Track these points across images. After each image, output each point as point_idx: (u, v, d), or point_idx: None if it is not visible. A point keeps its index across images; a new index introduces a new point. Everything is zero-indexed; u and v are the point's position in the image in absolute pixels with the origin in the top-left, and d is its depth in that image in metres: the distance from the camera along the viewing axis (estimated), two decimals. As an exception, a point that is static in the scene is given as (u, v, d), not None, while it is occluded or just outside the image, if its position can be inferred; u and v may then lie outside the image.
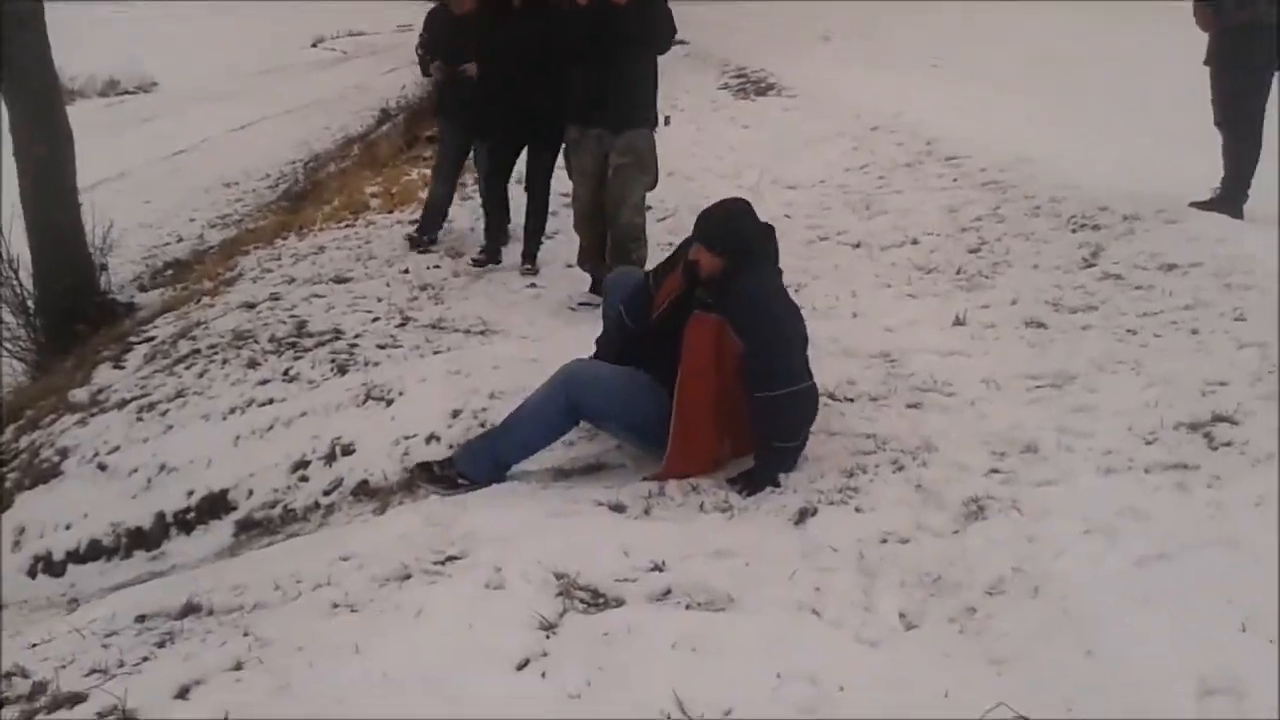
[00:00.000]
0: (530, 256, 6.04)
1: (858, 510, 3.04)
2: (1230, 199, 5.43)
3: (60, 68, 7.31)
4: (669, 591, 2.67)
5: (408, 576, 2.81)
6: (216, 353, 5.13)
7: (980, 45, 14.05)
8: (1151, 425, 3.31)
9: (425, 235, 6.60)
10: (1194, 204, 5.48)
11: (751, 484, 3.27)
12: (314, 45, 29.61)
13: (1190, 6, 5.54)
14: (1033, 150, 7.17)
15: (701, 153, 8.87)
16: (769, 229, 3.54)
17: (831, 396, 3.91)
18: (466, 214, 7.05)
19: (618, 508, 3.19)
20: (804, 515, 3.04)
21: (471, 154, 6.53)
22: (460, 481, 3.56)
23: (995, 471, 3.17)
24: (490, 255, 6.15)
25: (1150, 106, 8.60)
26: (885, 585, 2.64)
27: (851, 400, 3.88)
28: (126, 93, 26.12)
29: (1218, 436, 3.20)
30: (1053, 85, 10.47)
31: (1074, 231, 5.40)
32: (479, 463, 3.59)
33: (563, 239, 6.49)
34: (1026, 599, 2.52)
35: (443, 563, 2.88)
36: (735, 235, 3.39)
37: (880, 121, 9.04)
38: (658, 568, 2.77)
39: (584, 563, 2.76)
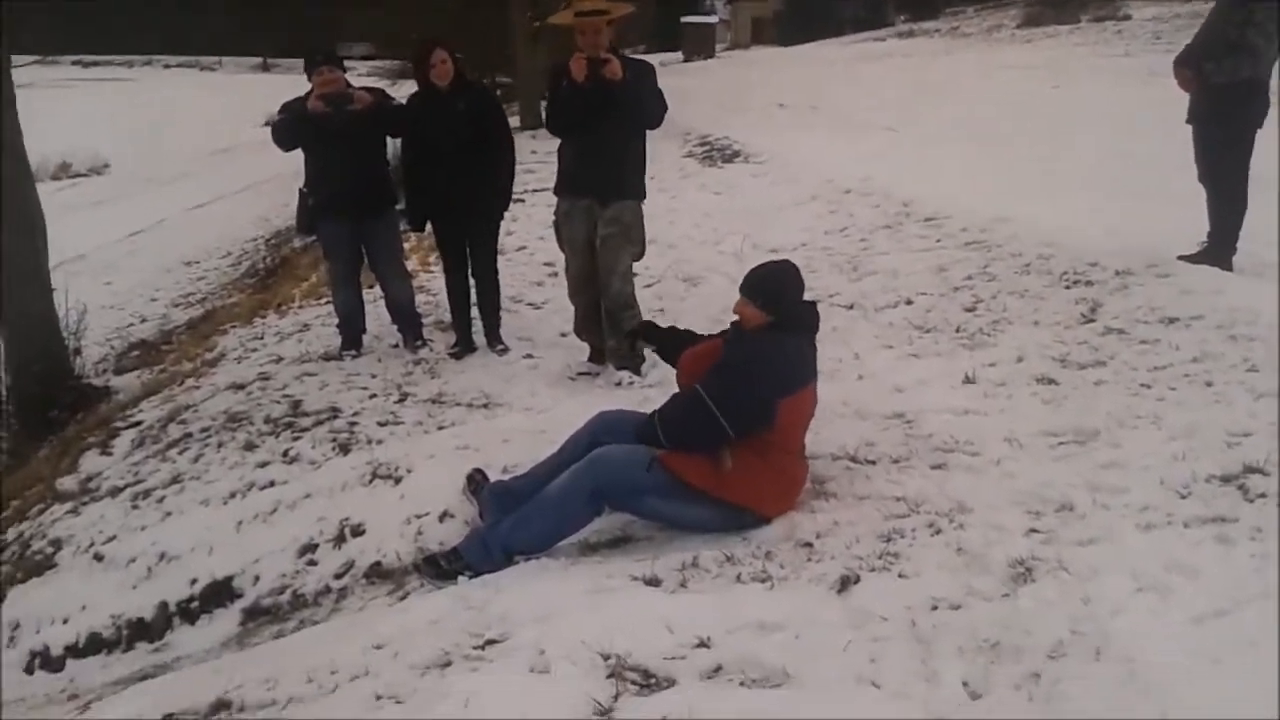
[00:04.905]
0: (497, 338, 5.95)
1: (901, 576, 2.98)
2: (1218, 252, 5.50)
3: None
4: (719, 668, 2.59)
5: (448, 664, 2.72)
6: (210, 436, 4.99)
7: (929, 109, 14.36)
8: (1184, 479, 3.29)
9: (348, 351, 5.98)
10: (1182, 257, 5.55)
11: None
12: (265, 124, 29.81)
13: (1170, 68, 5.65)
14: (1009, 209, 7.26)
15: (679, 220, 8.91)
16: (811, 304, 3.66)
17: (853, 459, 3.88)
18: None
19: (653, 581, 3.10)
20: (846, 583, 2.96)
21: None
22: (467, 575, 3.39)
23: (1035, 531, 3.13)
24: (465, 346, 5.90)
25: (1115, 161, 8.79)
26: (943, 654, 2.57)
27: (873, 462, 3.84)
28: (80, 175, 26.09)
29: (1251, 488, 3.19)
30: (1013, 143, 10.70)
31: (1068, 288, 5.43)
32: (490, 554, 3.43)
33: (553, 308, 6.45)
34: (1091, 661, 2.47)
35: (482, 647, 2.79)
36: (777, 295, 3.52)
37: (852, 185, 9.16)
38: (704, 644, 2.68)
39: (629, 641, 2.68)
